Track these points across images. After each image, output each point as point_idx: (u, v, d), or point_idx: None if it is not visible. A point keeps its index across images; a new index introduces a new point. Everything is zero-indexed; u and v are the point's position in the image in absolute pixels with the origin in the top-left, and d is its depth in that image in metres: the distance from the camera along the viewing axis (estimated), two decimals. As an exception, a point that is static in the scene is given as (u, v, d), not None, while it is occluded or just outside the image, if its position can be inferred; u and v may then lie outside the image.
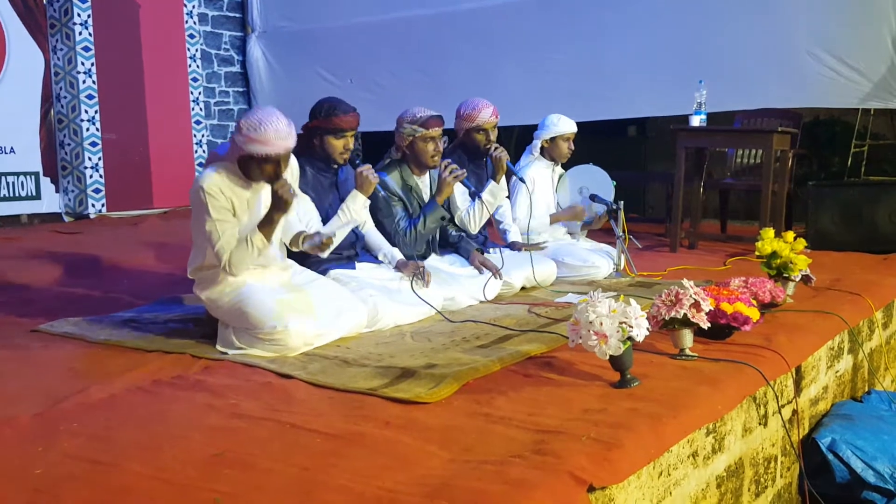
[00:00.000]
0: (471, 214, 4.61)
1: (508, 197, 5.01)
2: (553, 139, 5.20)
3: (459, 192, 4.60)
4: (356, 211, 3.82)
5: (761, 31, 6.82)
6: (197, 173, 8.40)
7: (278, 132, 3.19)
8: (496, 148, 4.62)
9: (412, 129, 4.24)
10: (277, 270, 3.57)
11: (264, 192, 3.40)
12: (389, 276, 4.01)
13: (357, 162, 3.86)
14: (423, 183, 4.41)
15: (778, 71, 6.74)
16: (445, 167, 4.28)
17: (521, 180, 4.94)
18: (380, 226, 4.23)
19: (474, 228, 4.65)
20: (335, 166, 3.93)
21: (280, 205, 3.29)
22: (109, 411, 2.64)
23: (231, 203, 3.31)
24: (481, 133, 4.66)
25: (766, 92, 6.84)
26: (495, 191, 4.62)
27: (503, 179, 4.67)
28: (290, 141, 3.26)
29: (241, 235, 3.32)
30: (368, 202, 3.89)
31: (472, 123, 4.65)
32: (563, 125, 5.18)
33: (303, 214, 3.72)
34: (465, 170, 4.39)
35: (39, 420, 2.56)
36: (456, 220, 4.63)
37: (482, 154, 4.72)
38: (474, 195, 4.54)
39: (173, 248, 5.83)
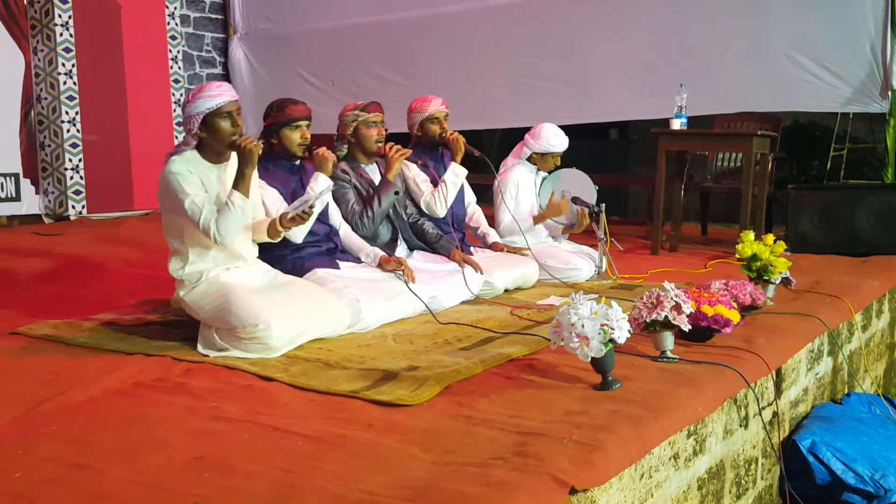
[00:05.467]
0: (436, 197, 4.68)
1: (489, 202, 5.04)
2: (544, 154, 5.23)
3: (421, 180, 4.72)
4: (321, 191, 3.82)
5: (742, 36, 6.86)
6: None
7: (220, 85, 3.42)
8: (452, 133, 4.76)
9: (354, 114, 4.34)
10: (259, 272, 3.60)
11: (227, 175, 3.47)
12: (373, 275, 4.02)
13: (313, 148, 3.93)
14: (373, 172, 4.47)
15: (758, 75, 6.78)
16: (390, 147, 4.36)
17: (482, 157, 4.95)
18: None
19: (441, 211, 4.71)
20: (297, 162, 3.98)
21: (246, 157, 3.36)
22: (89, 414, 2.63)
23: (199, 180, 3.38)
24: (434, 122, 4.79)
25: (746, 96, 6.87)
26: (457, 171, 4.74)
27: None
28: (233, 92, 3.45)
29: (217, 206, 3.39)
30: (331, 183, 3.92)
31: (424, 114, 4.78)
32: (558, 143, 5.21)
33: (271, 208, 3.79)
34: (409, 150, 4.47)
35: (18, 423, 2.55)
36: (423, 205, 4.70)
37: (438, 144, 4.82)
38: (425, 165, 4.68)
39: (154, 249, 5.79)
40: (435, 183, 4.71)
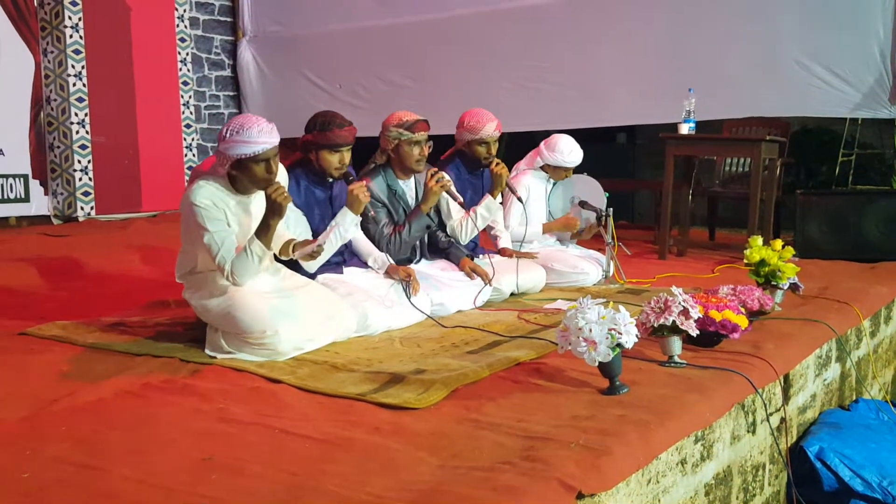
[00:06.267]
0: (463, 226, 4.56)
1: (502, 203, 5.00)
2: (556, 167, 5.21)
3: (453, 204, 4.52)
4: (346, 228, 3.69)
5: (750, 41, 6.86)
6: (185, 176, 8.40)
7: (262, 130, 3.20)
8: (497, 164, 4.56)
9: (398, 132, 4.18)
10: (268, 275, 3.56)
11: (254, 206, 3.39)
12: (378, 282, 4.00)
13: (351, 178, 3.78)
14: (408, 187, 4.38)
15: (767, 80, 6.78)
16: (432, 175, 4.21)
17: (520, 200, 4.89)
18: (365, 231, 4.20)
19: (464, 239, 4.61)
20: (330, 180, 3.90)
21: (275, 209, 3.26)
22: (97, 415, 2.63)
23: (224, 214, 3.28)
24: (483, 146, 4.61)
25: (754, 101, 6.87)
26: (491, 206, 4.59)
27: (499, 195, 4.67)
28: (275, 137, 3.25)
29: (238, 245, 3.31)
30: (359, 219, 3.75)
31: (476, 136, 4.60)
32: (572, 160, 5.15)
33: (292, 224, 3.69)
34: (450, 178, 4.32)
35: (27, 424, 2.55)
36: (447, 229, 4.59)
37: (481, 166, 4.70)
38: (462, 205, 4.45)
39: (162, 251, 5.82)
40: (462, 193, 4.52)
